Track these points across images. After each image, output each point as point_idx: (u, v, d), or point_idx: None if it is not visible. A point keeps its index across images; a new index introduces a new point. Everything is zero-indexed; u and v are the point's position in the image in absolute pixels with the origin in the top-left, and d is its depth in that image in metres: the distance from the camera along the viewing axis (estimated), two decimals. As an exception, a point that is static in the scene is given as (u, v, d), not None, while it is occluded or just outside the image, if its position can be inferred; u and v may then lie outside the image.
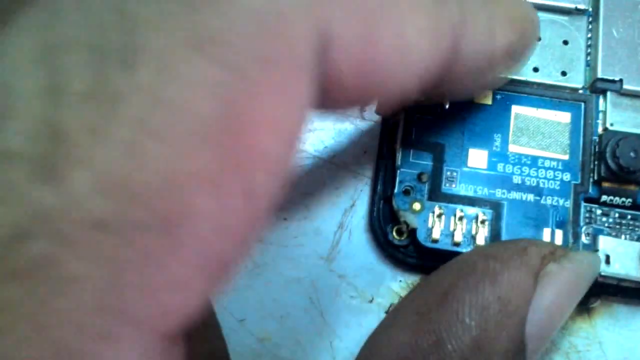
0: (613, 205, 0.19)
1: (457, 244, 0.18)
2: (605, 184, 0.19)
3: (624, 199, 0.19)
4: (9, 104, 0.08)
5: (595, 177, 0.19)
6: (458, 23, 0.13)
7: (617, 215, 0.19)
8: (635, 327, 0.19)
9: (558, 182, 0.19)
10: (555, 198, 0.19)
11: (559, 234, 0.19)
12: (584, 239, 0.19)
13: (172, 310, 0.09)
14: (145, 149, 0.08)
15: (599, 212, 0.19)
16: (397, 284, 0.20)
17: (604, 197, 0.19)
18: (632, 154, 0.18)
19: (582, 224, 0.19)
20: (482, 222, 0.19)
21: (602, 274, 0.18)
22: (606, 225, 0.19)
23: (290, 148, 0.10)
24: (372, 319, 0.19)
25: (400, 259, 0.19)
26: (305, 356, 0.19)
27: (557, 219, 0.19)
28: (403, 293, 0.20)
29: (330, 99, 0.11)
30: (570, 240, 0.19)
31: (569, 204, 0.19)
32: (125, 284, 0.08)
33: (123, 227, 0.08)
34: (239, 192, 0.09)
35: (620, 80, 0.20)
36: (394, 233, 0.19)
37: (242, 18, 0.09)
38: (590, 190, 0.19)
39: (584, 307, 0.19)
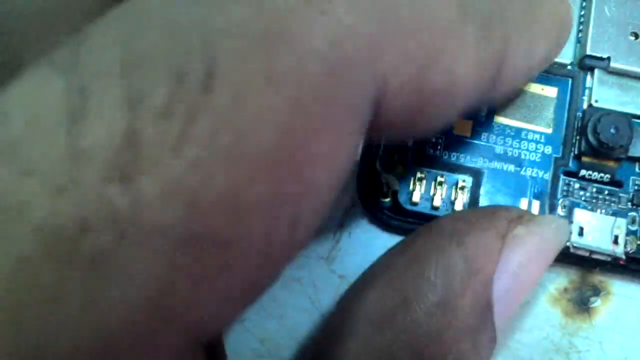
0: (591, 180, 0.20)
1: (435, 208, 0.19)
2: (585, 159, 0.19)
3: (602, 174, 0.19)
4: (88, 108, 0.09)
5: (576, 152, 0.20)
6: (502, 51, 0.13)
7: (594, 190, 0.20)
8: (635, 327, 0.19)
9: (539, 155, 0.20)
10: (535, 170, 0.20)
11: (536, 204, 0.19)
12: (560, 211, 0.19)
13: (211, 322, 0.10)
14: (213, 167, 0.09)
15: (577, 185, 0.20)
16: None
17: (583, 172, 0.19)
18: (612, 130, 0.19)
19: (559, 196, 0.19)
20: (462, 188, 0.19)
21: (575, 244, 0.18)
22: (583, 199, 0.19)
23: (337, 184, 0.10)
24: (372, 319, 0.19)
25: (384, 221, 0.20)
26: (306, 356, 0.19)
27: (536, 190, 0.19)
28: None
29: (377, 132, 0.12)
30: (547, 211, 0.19)
31: (548, 176, 0.20)
32: (177, 289, 0.09)
33: (183, 235, 0.09)
34: (286, 221, 0.10)
35: (608, 58, 0.20)
36: (379, 195, 0.20)
37: (311, 58, 0.10)
38: (570, 164, 0.20)
39: (584, 307, 0.19)
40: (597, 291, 0.20)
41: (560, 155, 0.20)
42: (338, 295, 0.19)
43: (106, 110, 0.09)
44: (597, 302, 0.20)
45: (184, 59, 0.09)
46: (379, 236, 0.20)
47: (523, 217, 0.15)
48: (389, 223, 0.20)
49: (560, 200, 0.19)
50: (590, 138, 0.19)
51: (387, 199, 0.20)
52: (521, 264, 0.14)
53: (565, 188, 0.20)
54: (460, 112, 0.13)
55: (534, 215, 0.15)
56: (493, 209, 0.16)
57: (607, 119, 0.19)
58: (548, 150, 0.20)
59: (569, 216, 0.19)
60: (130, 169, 0.08)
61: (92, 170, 0.08)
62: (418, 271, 0.14)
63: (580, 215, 0.19)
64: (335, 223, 0.20)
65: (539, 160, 0.20)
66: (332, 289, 0.19)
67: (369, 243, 0.20)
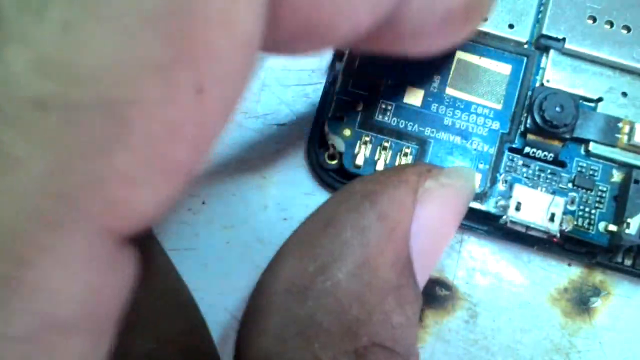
0: (535, 158, 0.20)
1: None
2: (531, 137, 0.20)
3: (546, 152, 0.19)
4: None
5: (522, 129, 0.20)
6: None
7: (537, 168, 0.20)
8: (635, 327, 0.19)
9: (487, 130, 0.20)
10: (481, 143, 0.20)
11: (477, 177, 0.19)
12: (500, 186, 0.19)
13: (123, 206, 0.09)
14: (86, 30, 0.08)
15: (520, 162, 0.20)
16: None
17: (528, 149, 0.20)
18: (557, 109, 0.19)
19: (502, 171, 0.20)
20: (405, 155, 0.19)
21: (511, 219, 0.19)
22: (525, 176, 0.20)
23: (244, 56, 0.10)
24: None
25: (329, 183, 0.20)
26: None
27: (479, 162, 0.20)
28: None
29: (279, 42, 0.11)
30: (487, 184, 0.19)
31: (493, 150, 0.20)
32: (72, 169, 0.08)
33: (64, 107, 0.08)
34: (189, 86, 0.09)
35: (564, 39, 0.20)
36: (326, 157, 0.20)
37: None
38: (516, 141, 0.20)
39: (584, 307, 0.19)
40: (597, 291, 0.20)
41: (507, 131, 0.20)
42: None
43: None
44: (597, 302, 0.20)
45: None
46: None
47: (432, 170, 0.15)
48: (334, 185, 0.20)
49: (502, 175, 0.19)
50: (536, 115, 0.19)
51: (334, 162, 0.20)
52: (435, 215, 0.14)
53: (508, 164, 0.20)
54: (363, 30, 0.12)
55: (442, 168, 0.15)
56: (402, 167, 0.15)
57: (553, 97, 0.19)
58: (496, 125, 0.20)
59: (509, 191, 0.19)
60: None
61: None
62: (334, 235, 0.13)
63: (520, 191, 0.19)
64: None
65: (486, 134, 0.20)
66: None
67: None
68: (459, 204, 0.15)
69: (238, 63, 0.09)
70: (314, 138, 0.21)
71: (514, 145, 0.20)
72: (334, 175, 0.20)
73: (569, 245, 0.19)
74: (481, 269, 0.20)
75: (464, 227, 0.20)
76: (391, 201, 0.14)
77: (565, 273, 0.20)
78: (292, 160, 0.21)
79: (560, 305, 0.20)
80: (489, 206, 0.19)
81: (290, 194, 0.21)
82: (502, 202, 0.19)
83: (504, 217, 0.19)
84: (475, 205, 0.19)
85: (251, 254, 0.20)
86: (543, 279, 0.20)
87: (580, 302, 0.20)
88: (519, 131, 0.20)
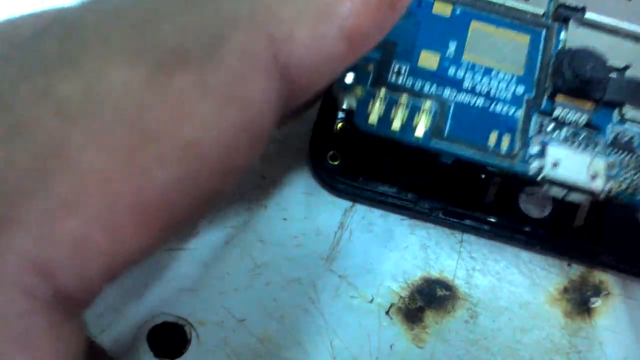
0: (565, 124, 0.18)
1: (394, 132, 0.17)
2: (560, 98, 0.18)
3: (579, 114, 0.18)
4: None
5: (551, 91, 0.18)
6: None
7: (570, 131, 0.18)
8: (635, 327, 0.19)
9: (510, 94, 0.18)
10: (507, 107, 0.18)
11: (506, 138, 0.18)
12: (532, 149, 0.18)
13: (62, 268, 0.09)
14: None
15: (551, 126, 0.18)
16: (397, 284, 0.20)
17: (558, 111, 0.18)
18: (589, 64, 0.18)
19: (532, 134, 0.18)
20: (425, 112, 0.18)
21: (550, 177, 0.17)
22: (558, 139, 0.18)
23: None
24: (372, 319, 0.19)
25: (330, 183, 0.20)
26: (306, 356, 0.19)
27: (507, 126, 0.18)
28: (403, 293, 0.20)
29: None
30: (518, 147, 0.18)
31: (520, 113, 0.18)
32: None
33: None
34: None
35: (583, 9, 0.19)
36: (328, 158, 0.20)
37: None
38: (544, 105, 0.18)
39: (584, 307, 0.19)
40: (597, 291, 0.20)
41: (532, 95, 0.18)
42: (338, 295, 0.19)
43: None
44: (597, 302, 0.20)
45: None
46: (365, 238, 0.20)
47: None
48: (335, 186, 0.20)
49: (534, 138, 0.18)
50: (566, 72, 0.18)
51: (336, 162, 0.20)
52: None
53: (538, 128, 0.18)
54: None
55: None
56: None
57: (583, 52, 0.18)
58: (520, 90, 0.18)
59: (542, 153, 0.17)
60: None
61: None
62: None
63: (555, 151, 0.17)
64: (335, 223, 0.20)
65: (510, 98, 0.18)
66: (332, 289, 0.19)
67: (368, 243, 0.20)
68: None
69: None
70: (316, 137, 0.21)
71: (542, 109, 0.18)
72: (335, 175, 0.20)
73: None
74: (481, 269, 0.20)
75: (464, 227, 0.20)
76: None
77: (565, 273, 0.20)
78: (292, 160, 0.21)
79: (560, 305, 0.20)
80: (523, 167, 0.17)
81: (290, 194, 0.21)
82: (536, 164, 0.17)
83: (541, 176, 0.17)
84: (506, 165, 0.17)
85: (251, 253, 0.20)
86: (543, 279, 0.20)
87: (580, 302, 0.20)
88: (546, 95, 0.18)
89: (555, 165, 0.17)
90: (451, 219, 0.20)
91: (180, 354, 0.18)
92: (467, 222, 0.20)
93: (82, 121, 0.09)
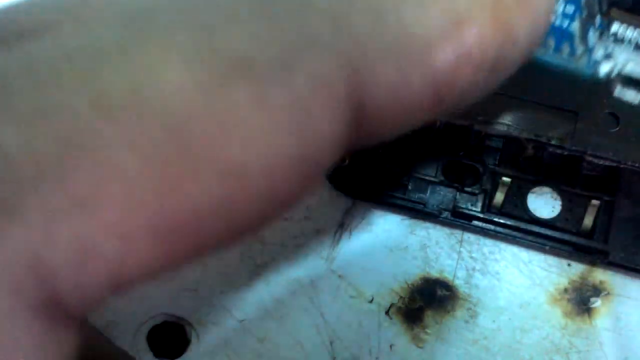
0: (624, 41, 0.17)
1: None
2: (616, 14, 0.17)
3: (638, 30, 0.17)
4: None
5: (604, 8, 0.17)
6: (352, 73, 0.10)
7: (633, 45, 0.16)
8: (636, 327, 0.19)
9: (561, 9, 0.17)
10: (559, 19, 0.17)
11: (565, 45, 0.16)
12: (596, 54, 0.16)
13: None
14: None
15: (611, 40, 0.17)
16: (397, 284, 0.20)
17: (615, 27, 0.17)
18: None
19: (591, 46, 0.16)
20: None
21: (625, 73, 0.16)
22: (618, 46, 0.17)
23: None
24: (371, 319, 0.19)
25: (331, 183, 0.20)
26: (305, 356, 0.19)
27: (562, 38, 0.16)
28: (403, 293, 0.20)
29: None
30: (580, 50, 0.16)
31: (575, 26, 0.17)
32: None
33: None
34: None
35: None
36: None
37: None
38: (597, 25, 0.17)
39: (584, 307, 0.19)
40: (597, 291, 0.20)
41: (585, 14, 0.17)
42: (338, 295, 0.19)
43: None
44: (597, 302, 0.20)
45: None
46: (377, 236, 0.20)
47: None
48: (336, 185, 0.20)
49: (596, 45, 0.16)
50: None
51: (344, 162, 0.20)
52: None
53: (597, 37, 0.17)
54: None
55: None
56: None
57: None
58: (569, 9, 0.17)
59: (608, 57, 0.16)
60: None
61: None
62: None
63: (623, 54, 0.16)
64: (335, 223, 0.20)
65: (561, 14, 0.17)
66: (332, 289, 0.20)
67: (369, 243, 0.20)
68: None
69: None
70: None
71: (598, 28, 0.17)
72: (336, 174, 0.20)
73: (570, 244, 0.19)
74: (481, 269, 0.20)
75: (464, 227, 0.20)
76: None
77: (565, 273, 0.20)
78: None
79: (560, 305, 0.20)
80: (590, 70, 0.16)
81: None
82: (605, 66, 0.16)
83: (615, 73, 0.16)
84: (572, 66, 0.16)
85: (251, 254, 0.20)
86: (543, 279, 0.20)
87: (580, 302, 0.20)
88: (598, 14, 0.17)
89: (623, 68, 0.16)
90: (460, 221, 0.20)
91: (180, 354, 0.19)
92: (475, 223, 0.20)
93: (119, 117, 0.08)
